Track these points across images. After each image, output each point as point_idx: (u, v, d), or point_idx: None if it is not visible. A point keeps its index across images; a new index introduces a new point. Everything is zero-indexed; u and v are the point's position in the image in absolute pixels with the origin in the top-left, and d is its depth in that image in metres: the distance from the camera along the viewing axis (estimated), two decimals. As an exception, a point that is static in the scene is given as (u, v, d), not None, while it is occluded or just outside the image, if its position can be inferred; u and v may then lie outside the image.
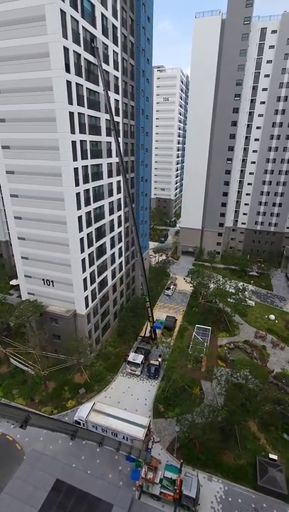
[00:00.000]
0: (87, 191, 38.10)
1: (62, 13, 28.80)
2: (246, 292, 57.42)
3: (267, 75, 72.46)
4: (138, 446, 29.96)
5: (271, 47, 70.18)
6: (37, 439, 33.51)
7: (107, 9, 37.61)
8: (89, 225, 39.67)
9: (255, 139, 78.49)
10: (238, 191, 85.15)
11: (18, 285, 46.50)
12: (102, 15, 36.80)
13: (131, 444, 29.76)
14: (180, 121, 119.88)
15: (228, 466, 30.90)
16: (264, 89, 73.79)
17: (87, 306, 41.68)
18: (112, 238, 48.62)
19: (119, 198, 49.52)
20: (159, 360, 44.40)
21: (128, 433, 31.10)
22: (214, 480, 30.01)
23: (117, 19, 40.71)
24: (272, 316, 58.70)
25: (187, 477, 28.08)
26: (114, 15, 39.97)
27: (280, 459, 31.72)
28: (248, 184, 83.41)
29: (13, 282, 62.67)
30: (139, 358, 43.18)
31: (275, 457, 31.25)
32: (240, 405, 32.07)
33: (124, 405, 37.43)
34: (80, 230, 37.44)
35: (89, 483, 22.72)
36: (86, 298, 41.20)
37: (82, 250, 38.69)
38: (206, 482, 29.71)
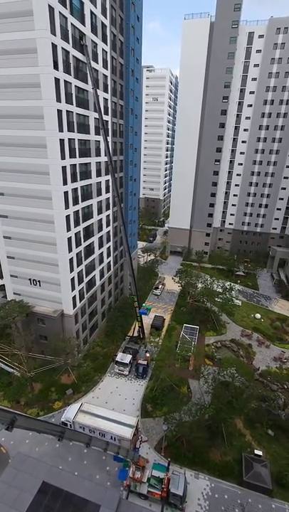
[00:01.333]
0: (75, 190, 37.70)
1: (51, 9, 28.38)
2: (233, 292, 58.42)
3: (254, 79, 73.86)
4: (126, 446, 29.95)
5: (258, 51, 71.56)
6: (22, 441, 32.92)
7: (96, 7, 37.34)
8: (77, 224, 39.27)
9: (243, 141, 79.87)
10: (226, 192, 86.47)
11: (4, 285, 45.50)
12: (92, 12, 36.51)
13: (119, 444, 29.71)
14: (169, 122, 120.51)
15: (214, 463, 31.35)
16: (251, 93, 75.19)
17: (74, 306, 41.27)
18: (101, 238, 48.33)
19: (108, 198, 49.29)
20: (147, 355, 44.64)
21: (116, 433, 31.03)
22: (201, 477, 30.39)
23: (106, 17, 40.47)
24: (258, 315, 59.95)
25: (174, 475, 28.32)
26: (104, 13, 39.72)
27: (265, 455, 32.47)
28: (236, 185, 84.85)
29: (-2, 282, 61.26)
30: (127, 358, 43.13)
31: (260, 453, 31.96)
32: (226, 403, 32.62)
33: (111, 405, 37.31)
34: (68, 229, 37.02)
35: (76, 484, 22.50)
36: (74, 298, 40.79)
37: (70, 250, 38.28)
38: (193, 480, 30.05)
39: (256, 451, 32.16)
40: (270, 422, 35.72)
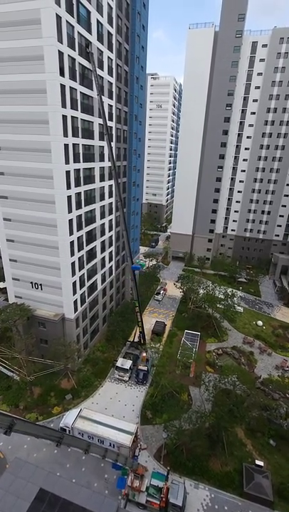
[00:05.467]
0: (78, 194, 37.95)
1: (58, 17, 28.95)
2: (235, 298, 58.04)
3: (257, 87, 74.61)
4: (125, 453, 29.53)
5: (262, 60, 72.44)
6: (20, 446, 32.58)
7: (102, 16, 38.07)
8: (79, 228, 39.44)
9: (246, 148, 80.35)
10: (229, 198, 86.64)
11: (5, 288, 45.59)
12: (98, 21, 37.22)
13: (118, 451, 29.30)
14: (172, 128, 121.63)
15: (214, 473, 30.79)
16: (254, 101, 75.88)
17: (76, 310, 41.18)
18: (103, 242, 48.45)
19: (111, 202, 49.54)
20: (144, 355, 45.04)
21: (115, 440, 30.66)
22: (201, 487, 29.83)
23: (112, 26, 41.22)
24: (260, 322, 59.47)
25: (174, 485, 27.80)
26: (110, 22, 40.47)
27: (266, 466, 31.86)
28: (238, 192, 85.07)
29: (0, 285, 61.47)
30: (128, 364, 42.82)
31: (261, 463, 31.38)
32: (227, 411, 32.18)
33: (111, 412, 36.94)
34: (71, 233, 37.15)
35: (73, 492, 22.13)
36: (75, 302, 40.73)
37: (72, 254, 38.36)
38: (192, 489, 29.50)
39: (257, 462, 31.58)
40: (271, 431, 35.13)
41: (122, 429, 31.83)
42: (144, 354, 45.64)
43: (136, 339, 49.15)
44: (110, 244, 51.86)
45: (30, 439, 32.72)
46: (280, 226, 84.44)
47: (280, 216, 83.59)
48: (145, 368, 43.04)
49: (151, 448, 33.43)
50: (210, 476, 30.52)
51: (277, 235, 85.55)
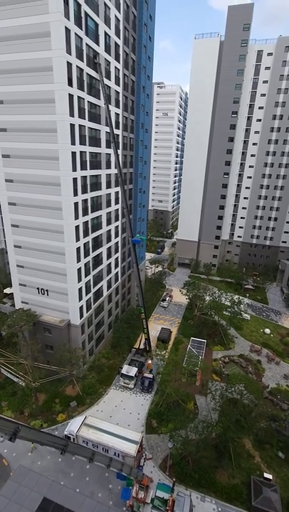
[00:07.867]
0: (85, 201, 38.36)
1: (67, 30, 29.78)
2: (242, 305, 57.34)
3: (263, 94, 75.06)
4: (130, 462, 29.02)
5: (267, 68, 73.02)
6: (25, 454, 32.31)
7: (110, 28, 39.02)
8: (86, 234, 39.74)
9: (252, 155, 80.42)
10: (235, 205, 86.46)
11: (12, 294, 45.96)
12: (106, 33, 38.14)
13: (122, 461, 28.83)
14: (178, 136, 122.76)
15: (221, 486, 29.96)
16: (260, 108, 76.26)
17: (81, 316, 41.21)
18: (109, 248, 48.66)
19: (117, 209, 49.90)
20: (149, 362, 44.63)
21: (120, 449, 30.18)
22: (207, 500, 29.04)
23: (119, 37, 42.18)
24: (267, 330, 58.51)
25: (180, 497, 27.12)
26: (117, 34, 41.44)
27: (275, 479, 30.92)
28: (245, 198, 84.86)
29: (7, 291, 62.06)
30: (133, 371, 42.44)
31: (269, 477, 30.45)
32: (234, 421, 31.45)
33: (116, 420, 36.50)
34: (77, 239, 37.45)
35: (77, 502, 21.85)
36: (81, 308, 40.78)
37: (79, 260, 38.59)
38: (198, 502, 28.73)
39: (266, 475, 30.65)
40: (280, 443, 34.17)
41: (127, 437, 31.32)
42: (150, 361, 45.20)
43: (141, 346, 48.81)
44: (116, 251, 52.03)
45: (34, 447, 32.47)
46: (287, 232, 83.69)
47: (287, 222, 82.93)
48: (150, 376, 42.57)
49: (156, 458, 32.83)
50: (217, 489, 29.72)
51: (285, 242, 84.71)
